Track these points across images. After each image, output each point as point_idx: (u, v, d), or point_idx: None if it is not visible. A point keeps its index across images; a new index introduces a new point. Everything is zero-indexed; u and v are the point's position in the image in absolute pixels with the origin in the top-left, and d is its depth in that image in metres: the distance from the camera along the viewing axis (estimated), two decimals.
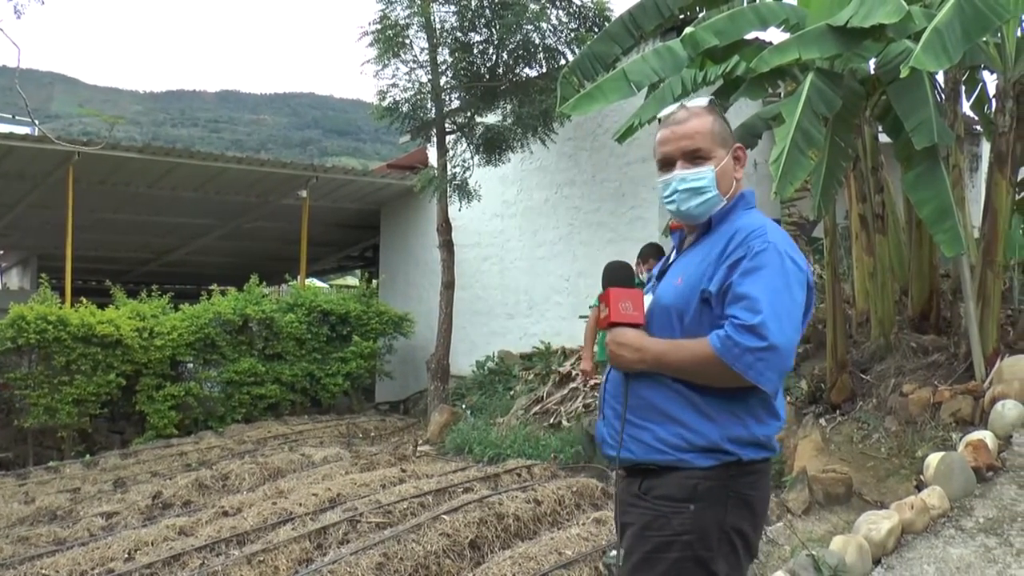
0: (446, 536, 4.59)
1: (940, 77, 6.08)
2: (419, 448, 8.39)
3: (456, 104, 9.67)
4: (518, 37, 8.87)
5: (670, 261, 2.13)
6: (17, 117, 16.31)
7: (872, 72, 5.71)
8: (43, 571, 4.53)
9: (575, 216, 9.97)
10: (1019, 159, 5.78)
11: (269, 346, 10.34)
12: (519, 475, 6.32)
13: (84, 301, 9.30)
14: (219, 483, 6.66)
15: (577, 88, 6.12)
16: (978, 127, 8.58)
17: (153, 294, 10.30)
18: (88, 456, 8.34)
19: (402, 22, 8.99)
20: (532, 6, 8.77)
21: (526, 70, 9.32)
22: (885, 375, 5.94)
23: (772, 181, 4.67)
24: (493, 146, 9.35)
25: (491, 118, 9.53)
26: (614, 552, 4.06)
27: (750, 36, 5.58)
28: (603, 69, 6.13)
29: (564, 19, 9.08)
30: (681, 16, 6.89)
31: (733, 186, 2.03)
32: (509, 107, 9.26)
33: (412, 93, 9.29)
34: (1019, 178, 5.98)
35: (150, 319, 9.55)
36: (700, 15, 6.68)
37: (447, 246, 9.71)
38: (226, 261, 16.64)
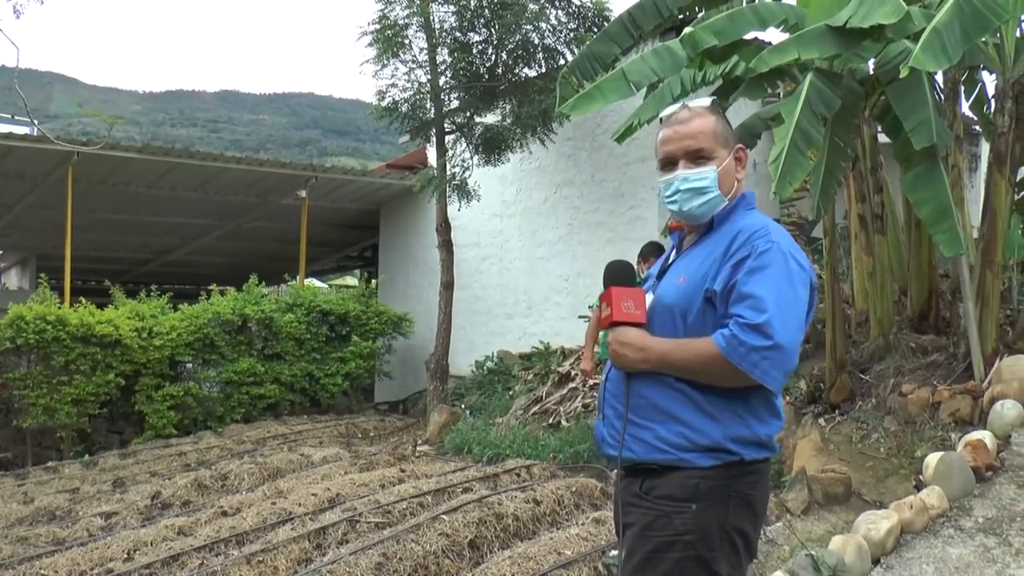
0: (445, 536, 4.59)
1: (939, 77, 6.08)
2: (418, 448, 8.39)
3: (455, 104, 9.68)
4: (517, 37, 8.87)
5: (670, 261, 2.13)
6: (16, 117, 16.31)
7: (871, 72, 5.72)
8: (42, 571, 4.52)
9: (574, 216, 9.97)
10: (1018, 159, 5.79)
11: (268, 346, 10.34)
12: (518, 475, 6.32)
13: (83, 301, 9.29)
14: (218, 483, 6.66)
15: (576, 88, 6.12)
16: (977, 127, 8.58)
17: (152, 294, 10.30)
18: (87, 456, 8.34)
19: (401, 22, 9.00)
20: (531, 6, 8.77)
21: (525, 70, 9.32)
22: (884, 375, 5.94)
23: (771, 181, 4.67)
24: (492, 146, 9.35)
25: (490, 118, 9.53)
26: (614, 552, 4.06)
27: (749, 36, 5.59)
28: (602, 69, 6.13)
29: (563, 19, 9.08)
30: (680, 16, 6.89)
31: (734, 187, 2.03)
32: (508, 107, 9.26)
33: (411, 93, 9.30)
34: (1018, 178, 5.98)
35: (149, 319, 9.55)
36: (699, 15, 6.68)
37: (446, 246, 9.72)
38: (225, 261, 16.64)
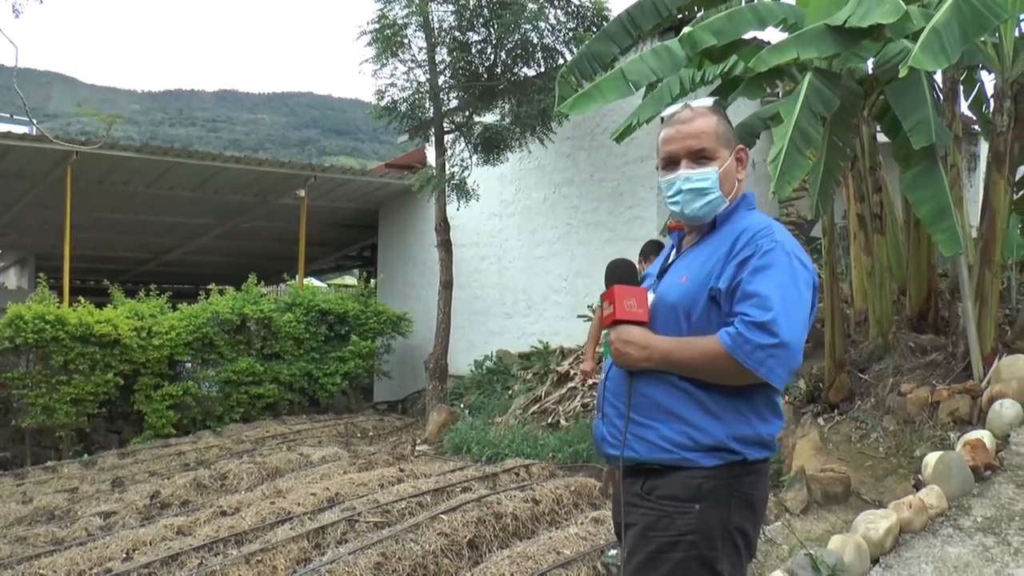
0: (444, 536, 4.59)
1: (938, 77, 6.09)
2: (417, 448, 8.39)
3: (454, 103, 9.67)
4: (516, 36, 8.87)
5: (670, 260, 2.13)
6: (15, 116, 16.25)
7: (870, 72, 5.72)
8: (41, 571, 4.52)
9: (573, 215, 9.98)
10: (1017, 159, 5.79)
11: (267, 346, 10.33)
12: (517, 474, 6.32)
13: (82, 301, 9.29)
14: (217, 483, 6.66)
15: (575, 88, 6.12)
16: (976, 127, 8.58)
17: (151, 294, 10.29)
18: (86, 456, 8.34)
19: (400, 21, 9.00)
20: (530, 5, 8.77)
21: (524, 70, 9.32)
22: (883, 374, 5.94)
23: (770, 180, 4.67)
24: (491, 145, 9.35)
25: (489, 117, 9.53)
26: (613, 551, 4.06)
27: (748, 36, 5.58)
28: (601, 69, 6.13)
29: (562, 18, 9.09)
30: (679, 16, 6.88)
31: (735, 187, 2.04)
32: (507, 106, 9.26)
33: (410, 92, 9.29)
34: (1017, 178, 5.98)
35: (148, 319, 9.55)
36: (698, 15, 6.67)
37: (445, 245, 9.72)
38: (224, 261, 16.63)
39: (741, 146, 2.08)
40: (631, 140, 6.97)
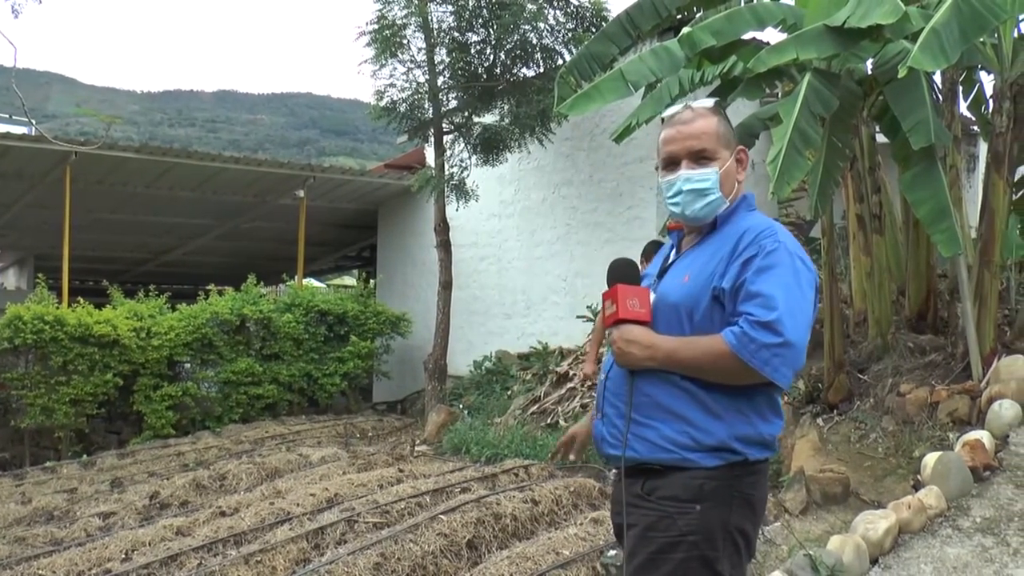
0: (443, 536, 4.59)
1: (937, 77, 6.09)
2: (416, 448, 8.39)
3: (453, 104, 9.68)
4: (515, 37, 8.88)
5: (670, 260, 2.13)
6: (14, 117, 16.26)
7: (869, 72, 5.72)
8: (40, 571, 4.52)
9: (572, 216, 9.98)
10: (1016, 159, 5.79)
11: (266, 346, 10.33)
12: (516, 475, 6.32)
13: (81, 301, 9.29)
14: (216, 483, 6.66)
15: (574, 88, 6.11)
16: (975, 127, 8.58)
17: (150, 294, 10.29)
18: (85, 456, 8.34)
19: (399, 22, 9.00)
20: (530, 6, 8.77)
21: (523, 70, 9.32)
22: (882, 375, 5.94)
23: (769, 181, 4.67)
24: (490, 146, 9.35)
25: (488, 118, 9.53)
26: (612, 552, 4.06)
27: (747, 36, 5.58)
28: (600, 69, 6.13)
29: (561, 19, 9.09)
30: (678, 16, 6.88)
31: (735, 188, 2.04)
32: (506, 107, 9.26)
33: (409, 93, 9.30)
34: (1016, 178, 5.98)
35: (147, 319, 9.54)
36: (697, 15, 6.68)
37: (444, 246, 9.72)
38: (223, 261, 16.63)
39: (741, 147, 2.08)
40: (630, 141, 6.96)
